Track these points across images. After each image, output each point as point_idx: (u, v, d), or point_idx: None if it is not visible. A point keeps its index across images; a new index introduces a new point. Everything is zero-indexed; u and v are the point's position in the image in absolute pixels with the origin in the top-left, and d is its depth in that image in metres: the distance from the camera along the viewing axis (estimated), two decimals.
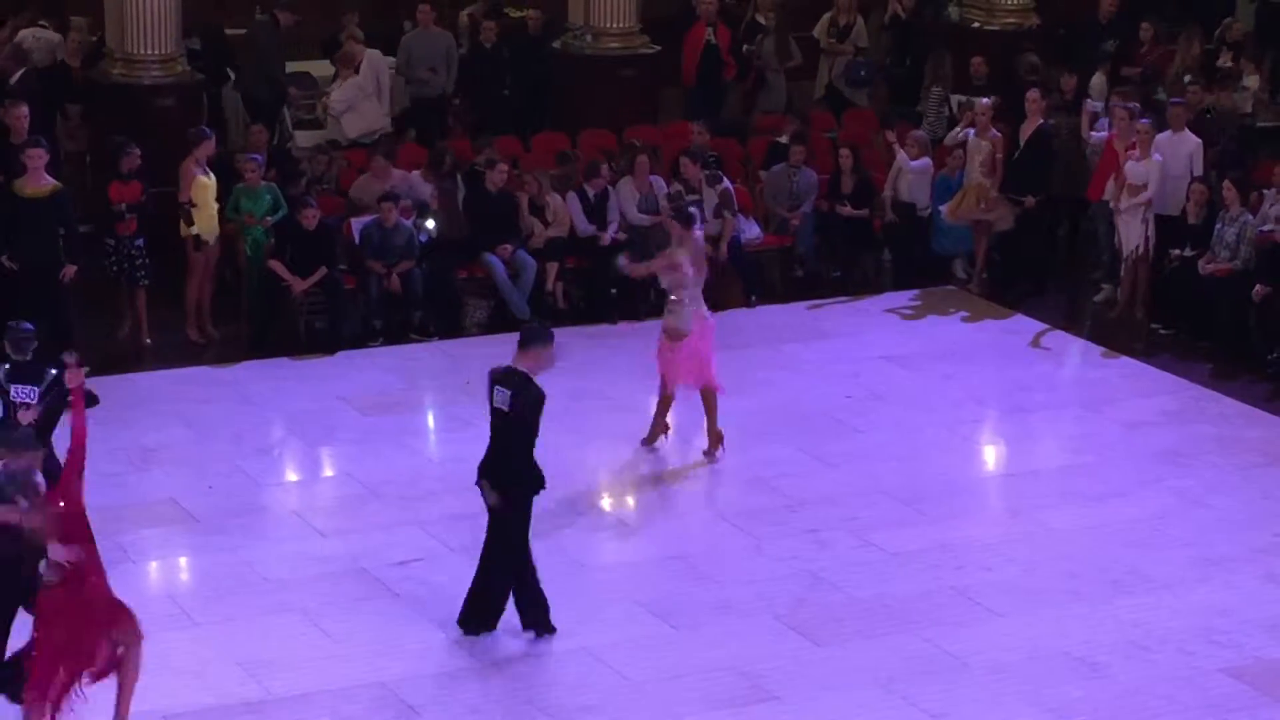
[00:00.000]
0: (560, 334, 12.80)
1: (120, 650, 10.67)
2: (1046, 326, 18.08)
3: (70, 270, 16.08)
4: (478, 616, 12.10)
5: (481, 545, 12.11)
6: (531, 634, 12.08)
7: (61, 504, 10.44)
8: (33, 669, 10.58)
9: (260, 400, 15.90)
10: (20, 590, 10.73)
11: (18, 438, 11.02)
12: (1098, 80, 20.70)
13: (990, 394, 16.59)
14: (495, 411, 12.03)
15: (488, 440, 12.09)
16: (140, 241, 16.82)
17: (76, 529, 10.46)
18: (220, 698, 11.36)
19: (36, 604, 10.58)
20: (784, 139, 19.70)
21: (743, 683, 11.62)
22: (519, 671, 11.72)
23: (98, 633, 10.55)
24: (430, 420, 15.63)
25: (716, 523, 13.81)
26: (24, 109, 17.24)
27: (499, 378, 12.01)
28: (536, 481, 11.96)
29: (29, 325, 12.57)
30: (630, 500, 14.26)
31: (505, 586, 12.05)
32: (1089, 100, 19.72)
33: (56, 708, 10.65)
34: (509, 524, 11.97)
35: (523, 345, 12.07)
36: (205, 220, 17.09)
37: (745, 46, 22.04)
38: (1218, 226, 17.50)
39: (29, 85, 18.87)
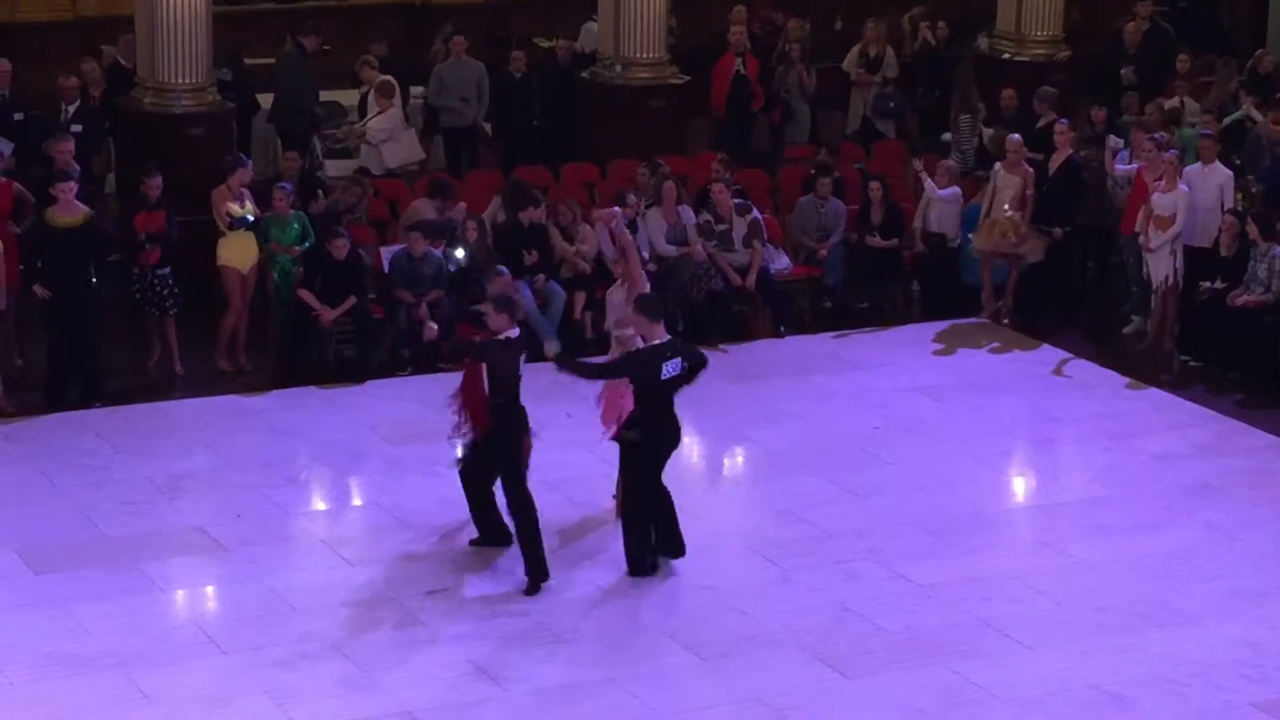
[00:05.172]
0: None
1: None
2: (1075, 358, 18.05)
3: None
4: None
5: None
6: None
7: None
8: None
9: (289, 429, 15.91)
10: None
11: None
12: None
13: (1019, 425, 16.56)
14: (671, 380, 13.03)
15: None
16: (165, 271, 16.79)
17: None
18: None
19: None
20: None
21: (770, 714, 11.58)
22: (545, 703, 11.69)
23: None
24: (459, 450, 15.61)
25: (745, 553, 13.78)
26: (69, 143, 17.30)
27: (669, 353, 12.98)
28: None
29: None
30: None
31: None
32: (1111, 136, 19.66)
33: None
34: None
35: (654, 318, 13.10)
36: (241, 250, 17.10)
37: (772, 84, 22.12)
38: (1250, 264, 17.44)
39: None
